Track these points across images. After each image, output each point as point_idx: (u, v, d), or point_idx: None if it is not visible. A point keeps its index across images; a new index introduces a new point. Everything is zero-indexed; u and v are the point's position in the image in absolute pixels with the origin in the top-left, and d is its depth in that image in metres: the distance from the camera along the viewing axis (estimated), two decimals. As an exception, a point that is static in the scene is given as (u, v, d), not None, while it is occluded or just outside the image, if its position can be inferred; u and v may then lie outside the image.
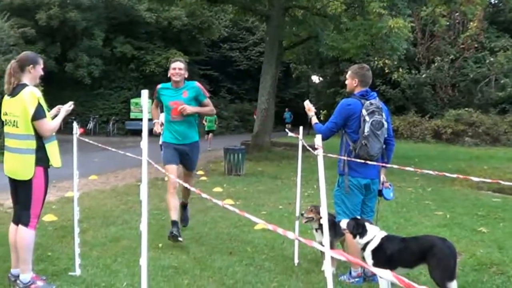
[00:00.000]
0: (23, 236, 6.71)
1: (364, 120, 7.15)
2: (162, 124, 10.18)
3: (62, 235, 9.87)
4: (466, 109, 39.34)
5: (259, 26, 46.90)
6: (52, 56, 39.49)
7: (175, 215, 9.40)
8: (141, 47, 45.30)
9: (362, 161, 7.10)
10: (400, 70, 39.35)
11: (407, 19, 26.25)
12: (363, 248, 6.57)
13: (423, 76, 43.46)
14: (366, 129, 7.11)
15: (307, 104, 8.02)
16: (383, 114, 7.29)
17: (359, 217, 6.93)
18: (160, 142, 11.31)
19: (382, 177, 7.63)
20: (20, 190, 6.77)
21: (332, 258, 7.82)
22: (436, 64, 43.67)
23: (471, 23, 42.19)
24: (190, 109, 9.60)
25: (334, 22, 27.32)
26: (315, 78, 58.28)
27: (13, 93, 6.71)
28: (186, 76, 10.00)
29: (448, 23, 35.92)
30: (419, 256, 6.27)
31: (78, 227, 7.73)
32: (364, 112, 7.18)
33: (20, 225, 6.75)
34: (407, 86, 42.58)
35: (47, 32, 40.28)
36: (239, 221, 10.85)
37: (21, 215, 6.78)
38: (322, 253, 7.90)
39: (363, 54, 31.85)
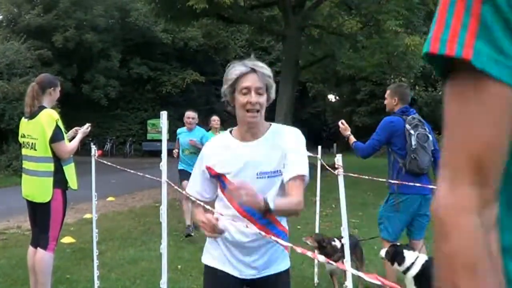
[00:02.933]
0: (41, 259, 6.69)
1: (410, 134, 7.20)
2: None
3: (81, 257, 9.86)
4: (484, 126, 39.09)
5: (275, 45, 46.86)
6: (68, 77, 39.58)
7: None
8: (157, 68, 45.33)
9: (412, 178, 7.09)
10: (417, 87, 39.22)
11: (423, 36, 26.23)
12: (404, 272, 6.57)
13: (440, 93, 43.31)
14: (413, 143, 7.14)
15: (343, 123, 8.00)
16: (426, 128, 7.33)
17: (398, 244, 6.91)
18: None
19: None
20: (39, 212, 6.76)
21: None
22: (452, 81, 43.55)
23: (487, 39, 42.07)
24: None
25: (350, 41, 27.37)
26: (332, 97, 58.22)
27: (31, 115, 6.72)
28: None
29: (464, 40, 35.69)
30: None
31: (97, 249, 7.72)
32: (408, 126, 7.24)
33: (38, 248, 6.74)
34: (424, 104, 42.44)
35: (63, 54, 40.41)
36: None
37: (40, 238, 6.77)
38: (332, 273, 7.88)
39: (380, 72, 31.86)
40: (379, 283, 1.68)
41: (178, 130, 13.24)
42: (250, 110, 3.86)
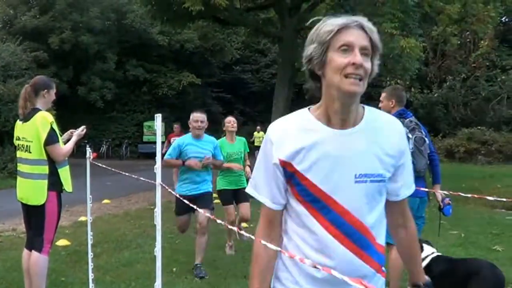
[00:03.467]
0: (36, 262, 6.67)
1: (408, 137, 7.12)
2: None
3: (76, 260, 9.84)
4: (479, 127, 39.14)
5: (271, 48, 46.91)
6: (64, 79, 39.53)
7: None
8: (153, 70, 45.29)
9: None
10: (412, 89, 39.29)
11: (418, 38, 26.25)
12: None
13: (435, 95, 43.35)
14: (411, 146, 7.15)
15: None
16: (422, 131, 7.34)
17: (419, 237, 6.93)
18: None
19: (441, 194, 7.61)
20: (33, 215, 6.75)
21: None
22: (448, 83, 43.60)
23: (482, 42, 42.13)
24: None
25: (345, 43, 27.38)
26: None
27: (26, 118, 6.71)
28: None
29: (459, 42, 35.85)
30: (464, 279, 6.14)
31: (92, 252, 7.70)
32: (405, 130, 7.14)
33: (33, 251, 6.72)
34: (420, 106, 42.40)
35: (59, 55, 40.36)
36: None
37: (34, 241, 6.75)
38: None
39: (375, 74, 31.87)
40: (363, 287, 1.66)
41: (181, 140, 9.63)
42: (350, 75, 2.66)
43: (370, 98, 46.02)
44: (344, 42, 2.68)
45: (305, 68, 2.83)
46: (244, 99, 53.48)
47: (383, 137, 2.86)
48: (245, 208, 10.89)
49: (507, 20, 46.11)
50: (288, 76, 28.36)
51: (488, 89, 42.82)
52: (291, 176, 2.83)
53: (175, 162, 9.37)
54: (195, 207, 5.65)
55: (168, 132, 24.98)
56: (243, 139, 11.53)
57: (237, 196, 10.86)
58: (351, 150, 2.76)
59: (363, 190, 2.77)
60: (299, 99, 52.83)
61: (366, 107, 2.96)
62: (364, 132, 2.82)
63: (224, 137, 11.06)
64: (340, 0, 25.33)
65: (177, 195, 7.26)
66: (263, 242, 2.87)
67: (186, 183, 9.46)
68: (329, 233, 2.75)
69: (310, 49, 2.76)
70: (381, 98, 7.78)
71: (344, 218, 2.74)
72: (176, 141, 9.83)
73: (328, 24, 2.75)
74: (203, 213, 7.97)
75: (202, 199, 9.13)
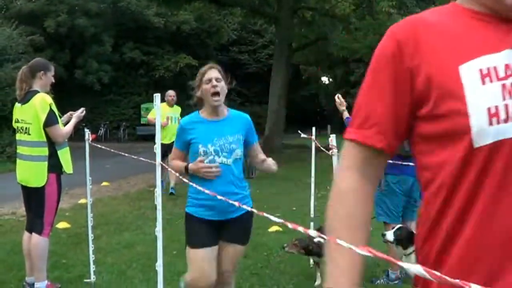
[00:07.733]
0: (36, 244, 6.68)
1: None
2: None
3: (76, 242, 9.85)
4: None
5: (268, 28, 46.68)
6: (61, 63, 39.26)
7: None
8: (150, 52, 45.17)
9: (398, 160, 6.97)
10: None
11: (416, 17, 26.25)
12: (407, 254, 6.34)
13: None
14: None
15: (338, 98, 7.97)
16: None
17: (402, 226, 6.75)
18: None
19: None
20: (33, 197, 6.74)
21: None
22: (446, 62, 43.60)
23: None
24: None
25: (343, 23, 27.30)
26: (325, 79, 58.07)
27: (24, 100, 6.70)
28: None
29: (457, 21, 35.73)
30: None
31: (92, 234, 7.71)
32: None
33: (33, 233, 6.72)
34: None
35: (55, 39, 40.22)
36: (253, 224, 10.75)
37: (34, 223, 6.76)
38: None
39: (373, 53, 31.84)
40: (370, 255, 1.62)
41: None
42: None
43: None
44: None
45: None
46: (241, 80, 53.34)
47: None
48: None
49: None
50: (285, 56, 28.38)
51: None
52: None
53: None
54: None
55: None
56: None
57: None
58: None
59: None
60: (296, 79, 52.82)
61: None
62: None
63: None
64: (336, -21, 25.27)
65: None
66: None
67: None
68: None
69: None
70: None
71: None
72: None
73: None
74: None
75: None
